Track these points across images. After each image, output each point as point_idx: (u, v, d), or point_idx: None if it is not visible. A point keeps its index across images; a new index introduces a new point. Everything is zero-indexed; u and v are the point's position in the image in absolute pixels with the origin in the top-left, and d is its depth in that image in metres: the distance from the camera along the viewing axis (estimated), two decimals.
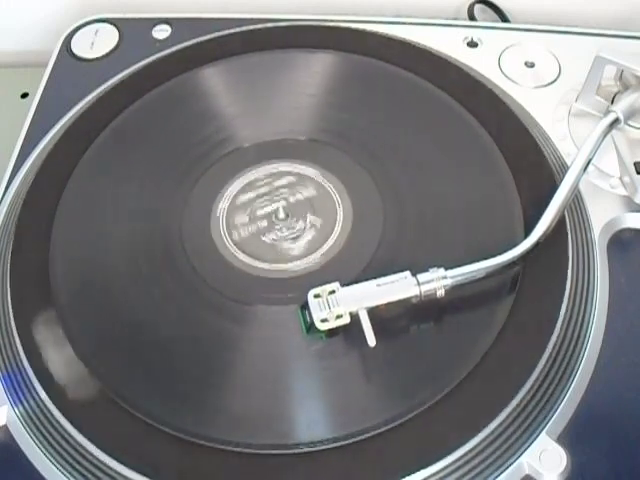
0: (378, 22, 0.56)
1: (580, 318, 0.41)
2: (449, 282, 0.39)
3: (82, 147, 0.49)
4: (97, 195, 0.48)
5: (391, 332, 0.41)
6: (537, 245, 0.41)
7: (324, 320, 0.39)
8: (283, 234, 0.45)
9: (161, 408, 0.39)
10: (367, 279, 0.40)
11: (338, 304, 0.39)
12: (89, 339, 0.41)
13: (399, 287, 0.39)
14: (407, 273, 0.40)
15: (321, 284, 0.40)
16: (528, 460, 0.36)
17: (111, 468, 0.37)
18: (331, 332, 0.39)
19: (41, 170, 0.49)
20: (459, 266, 0.40)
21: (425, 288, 0.39)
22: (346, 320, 0.38)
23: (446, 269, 0.40)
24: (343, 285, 0.39)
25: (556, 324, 0.40)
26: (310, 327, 0.39)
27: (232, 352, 0.41)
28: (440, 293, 0.39)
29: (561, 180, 0.43)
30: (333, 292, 0.39)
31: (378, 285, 0.39)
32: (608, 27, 0.54)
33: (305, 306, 0.39)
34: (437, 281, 0.39)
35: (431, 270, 0.40)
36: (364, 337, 0.38)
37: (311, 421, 0.38)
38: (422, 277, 0.39)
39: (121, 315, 0.43)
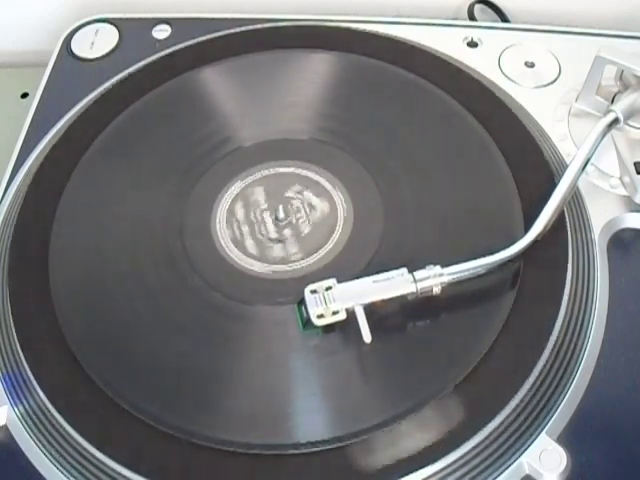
0: (378, 22, 0.56)
1: (580, 318, 0.41)
2: (445, 279, 0.39)
3: (82, 147, 0.49)
4: (97, 195, 0.48)
5: (392, 331, 0.41)
6: (535, 243, 0.41)
7: (320, 316, 0.39)
8: (283, 234, 0.45)
9: (161, 408, 0.39)
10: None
11: (334, 300, 0.39)
12: (89, 339, 0.41)
13: (395, 284, 0.39)
14: (404, 270, 0.40)
15: None
16: (528, 460, 0.36)
17: (111, 468, 0.37)
18: (327, 328, 0.39)
19: (41, 170, 0.49)
20: (457, 264, 0.40)
21: (421, 285, 0.39)
22: (342, 316, 0.39)
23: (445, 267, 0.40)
24: (340, 281, 0.40)
25: (556, 324, 0.40)
26: (306, 323, 0.39)
27: (232, 352, 0.41)
28: (436, 290, 0.39)
29: (560, 178, 0.43)
30: (330, 288, 0.39)
31: (374, 282, 0.39)
32: (608, 27, 0.54)
33: (302, 302, 0.39)
34: (434, 278, 0.39)
35: (428, 267, 0.40)
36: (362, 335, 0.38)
37: (311, 421, 0.38)
38: (419, 274, 0.39)
39: (121, 315, 0.43)
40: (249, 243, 0.45)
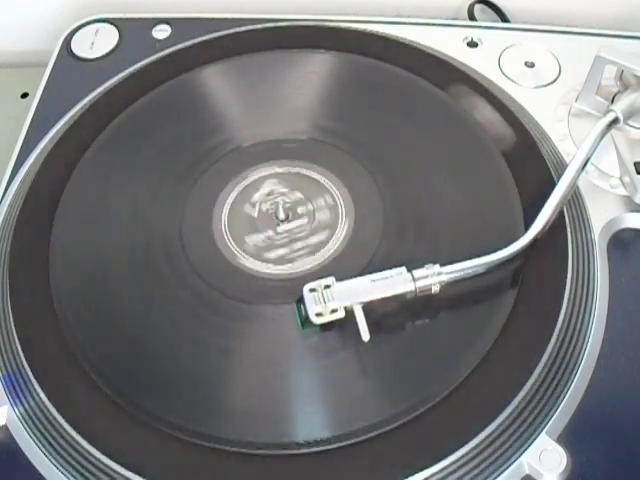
0: (378, 22, 0.56)
1: (580, 318, 0.41)
2: (444, 278, 0.39)
3: (82, 147, 0.49)
4: (97, 195, 0.48)
5: (392, 332, 0.41)
6: (535, 243, 0.41)
7: (319, 314, 0.39)
8: (283, 234, 0.45)
9: (161, 408, 0.39)
10: None
11: (333, 298, 0.39)
12: (89, 339, 0.41)
13: (394, 283, 0.39)
14: (402, 269, 0.40)
15: None
16: (528, 460, 0.36)
17: (110, 468, 0.37)
18: (326, 326, 0.39)
19: (41, 170, 0.49)
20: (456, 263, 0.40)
21: (420, 284, 0.39)
22: (341, 314, 0.39)
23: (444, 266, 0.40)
24: (339, 280, 0.40)
25: (556, 324, 0.40)
26: (305, 321, 0.40)
27: (232, 352, 0.41)
28: (435, 289, 0.39)
29: (560, 178, 0.43)
30: (328, 286, 0.39)
31: (373, 280, 0.39)
32: (608, 27, 0.54)
33: (301, 300, 0.40)
34: (432, 277, 0.39)
35: (427, 266, 0.40)
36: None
37: (311, 421, 0.38)
38: (417, 273, 0.39)
39: (121, 315, 0.43)
40: (249, 243, 0.45)
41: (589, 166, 0.45)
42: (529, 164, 0.46)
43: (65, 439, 0.38)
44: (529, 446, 0.37)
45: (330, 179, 0.47)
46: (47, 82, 0.55)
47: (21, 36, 0.67)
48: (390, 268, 0.40)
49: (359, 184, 0.47)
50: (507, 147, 0.47)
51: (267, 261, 0.44)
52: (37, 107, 0.53)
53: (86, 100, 0.53)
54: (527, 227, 0.42)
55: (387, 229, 0.45)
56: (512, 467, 0.37)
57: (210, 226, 0.46)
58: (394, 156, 0.48)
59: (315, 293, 0.39)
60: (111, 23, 0.58)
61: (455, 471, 0.36)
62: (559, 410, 0.38)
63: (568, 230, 0.43)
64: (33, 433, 0.39)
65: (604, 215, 0.45)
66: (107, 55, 0.56)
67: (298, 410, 0.39)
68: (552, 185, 0.43)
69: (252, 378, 0.40)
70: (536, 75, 0.52)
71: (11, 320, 0.42)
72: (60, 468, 0.38)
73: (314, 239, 0.45)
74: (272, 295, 0.43)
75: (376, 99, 0.51)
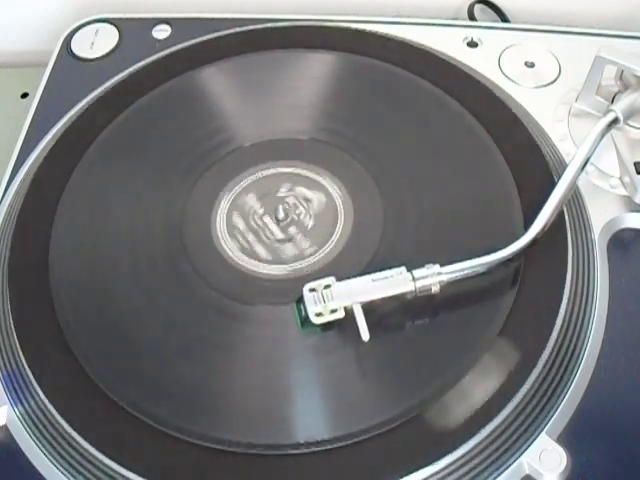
0: (378, 22, 0.56)
1: (580, 318, 0.41)
2: (444, 278, 0.39)
3: (82, 147, 0.49)
4: (97, 195, 0.48)
5: (392, 331, 0.41)
6: (535, 243, 0.41)
7: (319, 314, 0.39)
8: (283, 234, 0.45)
9: (160, 408, 0.39)
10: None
11: (333, 298, 0.39)
12: (88, 339, 0.41)
13: (394, 282, 0.39)
14: (402, 269, 0.40)
15: None
16: (528, 460, 0.36)
17: (110, 468, 0.37)
18: (326, 326, 0.39)
19: (41, 170, 0.49)
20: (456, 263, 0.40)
21: (420, 284, 0.39)
22: (340, 314, 0.39)
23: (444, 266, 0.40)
24: (339, 280, 0.40)
25: (556, 324, 0.40)
26: (305, 321, 0.40)
27: (232, 352, 0.41)
28: (435, 289, 0.39)
29: (560, 178, 0.43)
30: (328, 286, 0.39)
31: (373, 280, 0.39)
32: (608, 27, 0.54)
33: (300, 300, 0.40)
34: (432, 277, 0.39)
35: (427, 266, 0.40)
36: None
37: (311, 421, 0.38)
38: (417, 273, 0.39)
39: (121, 315, 0.43)
40: (249, 243, 0.45)
41: (589, 166, 0.45)
42: (529, 164, 0.46)
43: (65, 439, 0.38)
44: (529, 446, 0.37)
45: (330, 179, 0.47)
46: (47, 82, 0.55)
47: (21, 36, 0.67)
48: (390, 268, 0.40)
49: (359, 184, 0.47)
50: (507, 147, 0.47)
51: (267, 261, 0.44)
52: (37, 107, 0.53)
53: (86, 100, 0.53)
54: (527, 227, 0.42)
55: (387, 229, 0.45)
56: (512, 467, 0.37)
57: (210, 226, 0.46)
58: (394, 156, 0.48)
59: (315, 293, 0.39)
60: (111, 23, 0.58)
61: (455, 471, 0.36)
62: (559, 410, 0.38)
63: (568, 230, 0.43)
64: (33, 433, 0.39)
65: (604, 215, 0.45)
66: (107, 55, 0.57)
67: (298, 410, 0.39)
68: (552, 185, 0.43)
69: (252, 378, 0.40)
70: (536, 75, 0.52)
71: (11, 320, 0.42)
72: (60, 468, 0.38)
73: (314, 239, 0.45)
74: (272, 295, 0.43)
75: (376, 99, 0.51)
